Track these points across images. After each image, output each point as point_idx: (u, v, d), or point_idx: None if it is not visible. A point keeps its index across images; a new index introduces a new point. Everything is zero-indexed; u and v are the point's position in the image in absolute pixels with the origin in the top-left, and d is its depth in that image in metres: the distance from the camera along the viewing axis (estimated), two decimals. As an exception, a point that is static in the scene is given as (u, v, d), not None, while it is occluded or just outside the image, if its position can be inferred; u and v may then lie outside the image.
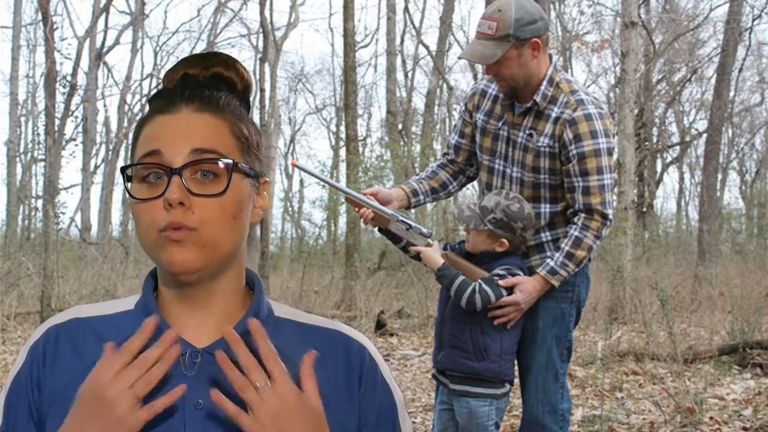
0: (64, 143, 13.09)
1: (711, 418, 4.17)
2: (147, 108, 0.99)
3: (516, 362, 2.52)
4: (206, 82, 0.98)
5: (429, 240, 2.48)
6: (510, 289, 2.37)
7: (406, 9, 19.54)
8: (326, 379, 0.95)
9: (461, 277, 2.37)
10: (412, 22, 20.59)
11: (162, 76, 1.03)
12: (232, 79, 1.00)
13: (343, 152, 15.58)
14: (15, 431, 0.93)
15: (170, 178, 0.89)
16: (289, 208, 25.03)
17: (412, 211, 9.50)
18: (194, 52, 22.61)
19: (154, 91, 1.00)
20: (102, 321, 0.97)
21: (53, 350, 0.94)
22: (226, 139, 0.93)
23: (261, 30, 17.03)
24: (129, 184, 0.93)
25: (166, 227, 0.89)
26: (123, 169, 0.93)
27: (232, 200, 0.92)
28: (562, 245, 2.42)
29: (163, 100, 0.96)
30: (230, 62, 1.00)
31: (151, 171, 0.91)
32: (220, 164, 0.91)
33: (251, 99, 1.03)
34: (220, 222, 0.90)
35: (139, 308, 0.97)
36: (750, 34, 14.72)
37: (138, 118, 22.02)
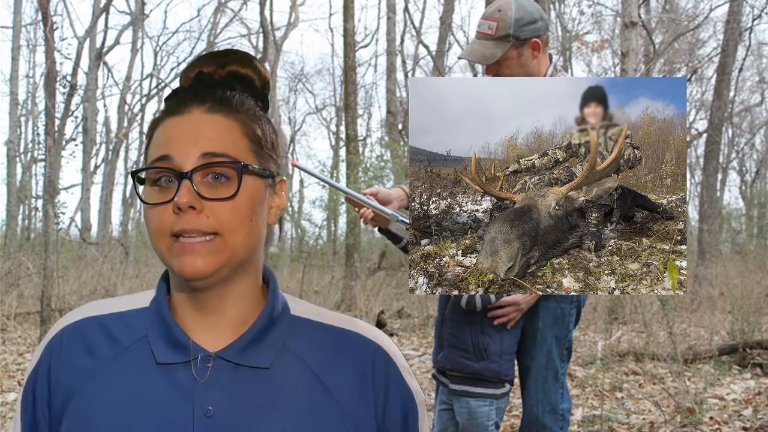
0: (64, 143, 13.10)
1: (711, 418, 4.17)
2: (161, 107, 0.96)
3: (516, 362, 2.52)
4: (222, 80, 0.95)
5: (429, 240, 2.48)
6: (510, 289, 2.37)
7: (406, 9, 19.56)
8: (339, 382, 0.94)
9: (461, 277, 2.37)
10: (412, 22, 20.62)
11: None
12: (249, 76, 0.97)
13: (343, 152, 15.59)
14: (33, 428, 0.94)
15: (180, 183, 0.87)
16: (289, 208, 25.03)
17: (412, 211, 9.47)
18: (194, 52, 22.70)
19: (168, 90, 0.98)
20: (115, 319, 0.96)
21: (67, 350, 0.94)
22: (238, 141, 0.91)
23: (261, 30, 17.05)
24: (141, 188, 0.91)
25: (179, 233, 0.87)
26: (133, 174, 0.91)
27: (245, 202, 0.89)
28: (562, 245, 2.41)
29: (175, 101, 0.93)
30: (247, 59, 0.97)
31: (162, 174, 0.89)
32: (231, 167, 0.89)
33: (269, 96, 1.01)
34: (237, 225, 0.88)
35: (153, 309, 0.95)
36: (750, 34, 14.72)
37: (137, 116, 22.03)
